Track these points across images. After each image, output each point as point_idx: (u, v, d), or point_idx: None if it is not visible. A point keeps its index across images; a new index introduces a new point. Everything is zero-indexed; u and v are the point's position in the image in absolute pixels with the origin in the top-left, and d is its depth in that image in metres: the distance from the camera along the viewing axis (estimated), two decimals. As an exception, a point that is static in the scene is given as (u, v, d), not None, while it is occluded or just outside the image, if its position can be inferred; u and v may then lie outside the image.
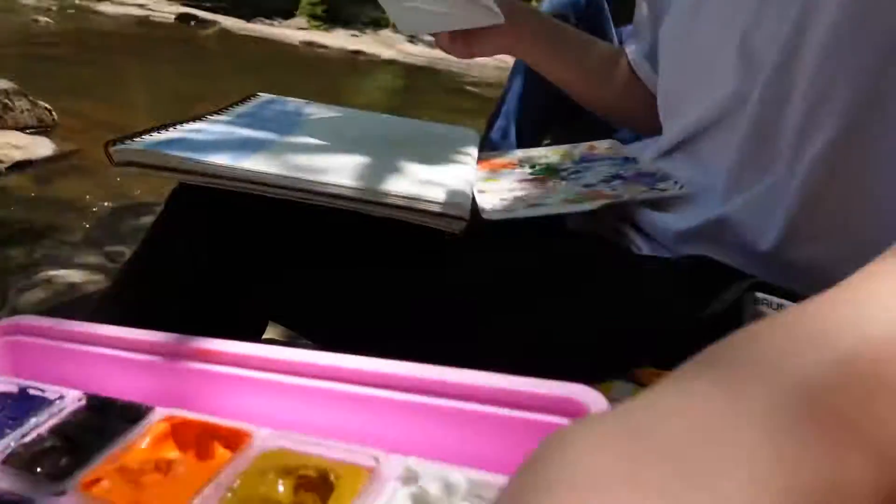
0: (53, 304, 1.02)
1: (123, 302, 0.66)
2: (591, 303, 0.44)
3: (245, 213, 0.60)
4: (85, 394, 0.33)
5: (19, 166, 2.44)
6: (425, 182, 0.57)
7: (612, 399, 0.42)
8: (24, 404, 0.34)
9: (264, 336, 0.83)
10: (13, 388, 0.35)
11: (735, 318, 0.38)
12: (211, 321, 0.65)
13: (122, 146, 0.54)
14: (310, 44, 7.39)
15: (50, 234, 1.98)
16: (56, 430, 0.31)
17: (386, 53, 7.49)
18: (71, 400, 0.33)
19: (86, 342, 0.38)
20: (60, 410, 0.32)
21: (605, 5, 1.48)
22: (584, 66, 0.80)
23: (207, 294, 0.63)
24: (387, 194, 0.54)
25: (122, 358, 0.36)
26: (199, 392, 0.35)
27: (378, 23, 10.13)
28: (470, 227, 0.54)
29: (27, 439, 0.30)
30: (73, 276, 1.17)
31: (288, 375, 0.33)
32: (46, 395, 0.34)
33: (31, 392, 0.34)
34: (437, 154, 0.69)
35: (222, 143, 0.60)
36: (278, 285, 0.62)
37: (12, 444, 0.30)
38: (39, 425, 0.31)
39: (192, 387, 0.35)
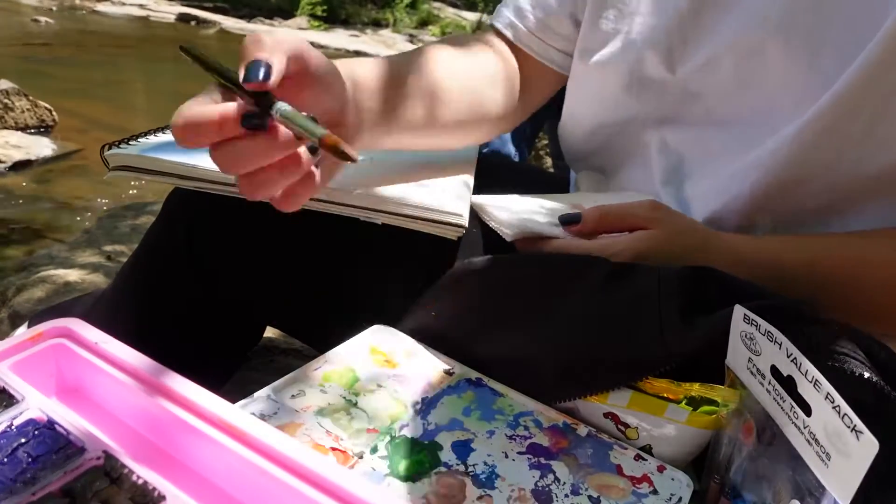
0: (52, 303, 1.01)
1: (121, 304, 0.66)
2: (571, 323, 0.43)
3: (242, 216, 0.60)
4: (105, 453, 0.33)
5: (19, 166, 2.44)
6: (424, 189, 0.57)
7: (610, 405, 0.42)
8: (47, 441, 0.34)
9: (263, 337, 0.83)
10: (43, 417, 0.35)
11: (725, 334, 0.37)
12: (208, 326, 0.65)
13: (117, 150, 0.54)
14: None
15: (49, 234, 1.98)
16: (66, 492, 0.32)
17: (386, 54, 7.48)
18: (91, 455, 0.33)
19: (125, 371, 0.38)
20: (77, 467, 0.33)
21: None
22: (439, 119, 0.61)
23: (205, 298, 0.63)
24: (384, 201, 0.54)
25: (148, 399, 0.36)
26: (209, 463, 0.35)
27: (378, 23, 10.14)
28: (466, 234, 0.54)
29: (36, 497, 0.31)
30: (73, 275, 1.17)
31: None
32: (71, 438, 0.34)
33: (58, 429, 0.35)
34: (436, 160, 0.69)
35: (221, 146, 0.60)
36: (275, 289, 0.62)
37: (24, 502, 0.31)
38: (52, 483, 0.32)
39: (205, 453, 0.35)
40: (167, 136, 0.60)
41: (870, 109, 0.48)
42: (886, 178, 0.50)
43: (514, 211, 0.58)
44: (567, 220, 0.53)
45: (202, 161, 0.54)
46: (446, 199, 0.55)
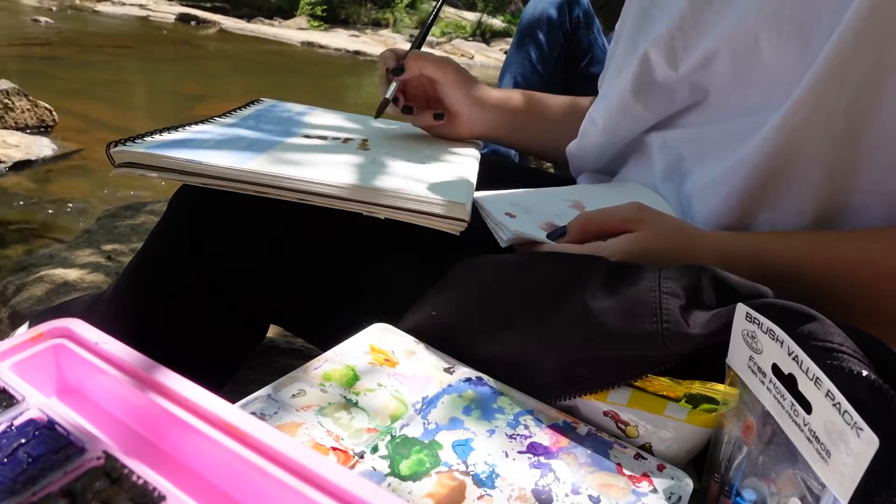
0: (52, 303, 1.02)
1: (123, 304, 0.66)
2: (571, 322, 0.43)
3: (247, 214, 0.60)
4: (105, 453, 0.33)
5: (19, 166, 2.44)
6: (426, 184, 0.57)
7: (610, 404, 0.42)
8: (47, 442, 0.34)
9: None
10: (43, 417, 0.35)
11: (724, 332, 0.37)
12: (211, 324, 0.65)
13: (123, 148, 0.54)
14: (310, 44, 7.39)
15: (49, 234, 1.98)
16: (66, 492, 0.32)
17: (386, 53, 7.48)
18: (91, 455, 0.33)
19: (125, 371, 0.38)
20: (77, 467, 0.32)
21: (594, 19, 1.50)
22: (538, 139, 0.83)
23: (209, 296, 0.63)
24: (387, 196, 0.54)
25: (148, 399, 0.36)
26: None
27: (378, 23, 10.13)
28: (468, 231, 0.54)
29: (36, 497, 0.31)
30: (72, 275, 1.17)
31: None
32: (71, 438, 0.34)
33: (58, 429, 0.35)
34: (438, 156, 0.69)
35: (223, 145, 0.60)
36: (279, 287, 0.62)
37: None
38: (52, 483, 0.32)
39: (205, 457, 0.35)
40: (173, 135, 0.61)
41: (850, 92, 0.47)
42: (879, 169, 0.50)
43: (512, 213, 0.58)
44: (555, 237, 0.54)
45: (208, 157, 0.54)
46: (449, 193, 0.55)
